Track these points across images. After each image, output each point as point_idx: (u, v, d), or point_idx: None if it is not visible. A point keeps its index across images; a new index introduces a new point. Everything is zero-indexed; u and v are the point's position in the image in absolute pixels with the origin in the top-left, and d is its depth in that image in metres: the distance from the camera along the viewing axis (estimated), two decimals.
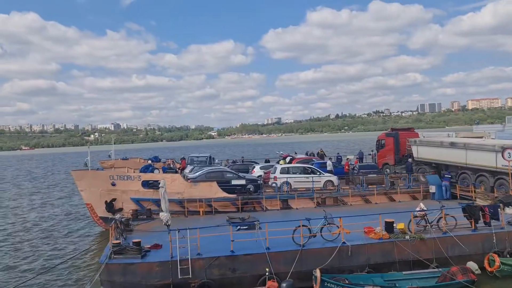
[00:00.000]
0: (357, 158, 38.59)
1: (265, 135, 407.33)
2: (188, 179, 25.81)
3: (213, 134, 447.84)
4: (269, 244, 15.75)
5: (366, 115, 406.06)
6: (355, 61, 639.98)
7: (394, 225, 17.16)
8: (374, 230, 17.13)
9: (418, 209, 18.08)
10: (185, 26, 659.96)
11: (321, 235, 16.48)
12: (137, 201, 25.07)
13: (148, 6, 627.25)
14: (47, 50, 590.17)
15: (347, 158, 34.21)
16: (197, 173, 26.60)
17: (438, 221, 17.63)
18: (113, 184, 25.46)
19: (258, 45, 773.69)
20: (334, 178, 27.69)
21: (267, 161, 38.39)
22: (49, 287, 17.83)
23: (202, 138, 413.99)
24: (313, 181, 26.61)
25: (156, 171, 28.43)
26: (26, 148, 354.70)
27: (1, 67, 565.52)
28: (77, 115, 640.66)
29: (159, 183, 18.04)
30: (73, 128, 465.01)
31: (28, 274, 19.22)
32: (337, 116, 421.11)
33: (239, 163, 37.68)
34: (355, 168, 31.73)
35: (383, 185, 27.39)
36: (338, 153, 43.23)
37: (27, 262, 21.60)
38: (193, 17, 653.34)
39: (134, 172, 27.52)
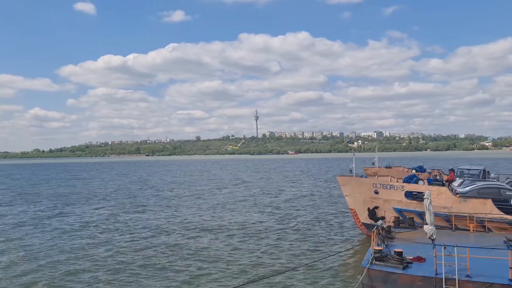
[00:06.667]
0: None
1: None
2: (457, 193, 23.84)
3: (486, 144, 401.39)
4: None
5: None
6: None
7: None
8: None
9: None
10: (452, 28, 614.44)
11: None
12: (399, 211, 24.80)
13: (411, 12, 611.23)
14: (315, 64, 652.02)
15: None
16: (467, 188, 24.28)
17: None
18: (376, 192, 25.97)
19: None
20: None
21: None
22: (312, 279, 19.47)
23: (473, 149, 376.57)
24: None
25: (420, 182, 27.36)
26: (292, 152, 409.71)
27: (279, 82, 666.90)
28: (341, 123, 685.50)
29: (424, 194, 17.41)
30: (338, 135, 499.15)
31: (292, 265, 21.47)
32: None
33: None
34: None
35: None
36: None
37: (289, 252, 24.27)
38: (462, 17, 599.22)
39: (397, 181, 27.27)
